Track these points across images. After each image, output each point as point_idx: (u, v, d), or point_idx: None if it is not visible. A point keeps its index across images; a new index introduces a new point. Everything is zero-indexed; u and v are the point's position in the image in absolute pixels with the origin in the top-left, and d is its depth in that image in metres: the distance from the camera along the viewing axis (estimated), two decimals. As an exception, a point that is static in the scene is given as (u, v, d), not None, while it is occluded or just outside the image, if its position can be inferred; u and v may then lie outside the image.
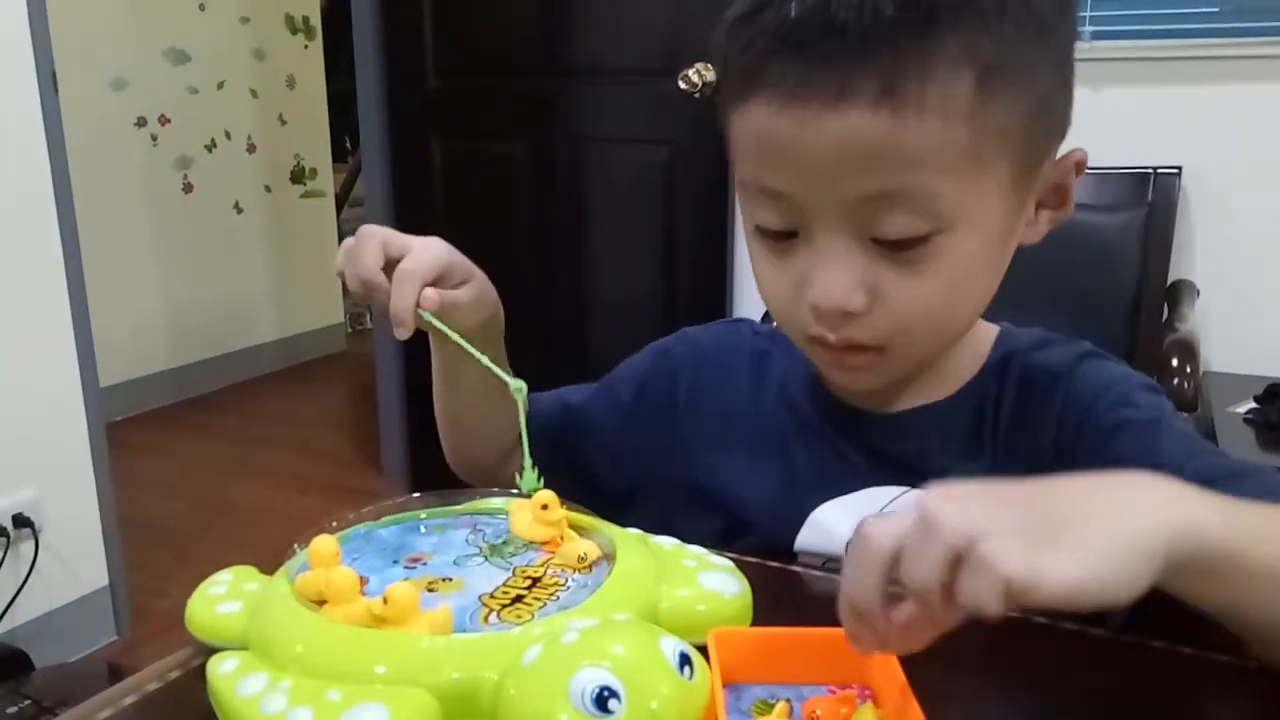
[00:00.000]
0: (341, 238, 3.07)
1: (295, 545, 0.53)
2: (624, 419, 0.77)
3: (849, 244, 0.57)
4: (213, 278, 3.61)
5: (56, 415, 1.98)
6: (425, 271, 0.63)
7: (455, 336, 0.63)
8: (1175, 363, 1.59)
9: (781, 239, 0.59)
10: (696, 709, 0.42)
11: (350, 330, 4.32)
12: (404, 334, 0.63)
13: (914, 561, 0.40)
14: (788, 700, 0.46)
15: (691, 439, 0.74)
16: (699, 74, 2.06)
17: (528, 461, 0.58)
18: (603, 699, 0.40)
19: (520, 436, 0.61)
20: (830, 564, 0.66)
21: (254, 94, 3.68)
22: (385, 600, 0.45)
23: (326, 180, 4.07)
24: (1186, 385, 1.57)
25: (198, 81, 3.46)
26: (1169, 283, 1.85)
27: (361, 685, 0.42)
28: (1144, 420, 0.61)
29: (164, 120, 3.37)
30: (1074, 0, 0.61)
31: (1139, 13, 1.94)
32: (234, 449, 3.16)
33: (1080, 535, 0.39)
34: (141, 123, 3.31)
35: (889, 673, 0.45)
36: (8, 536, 1.90)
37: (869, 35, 0.52)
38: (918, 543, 0.40)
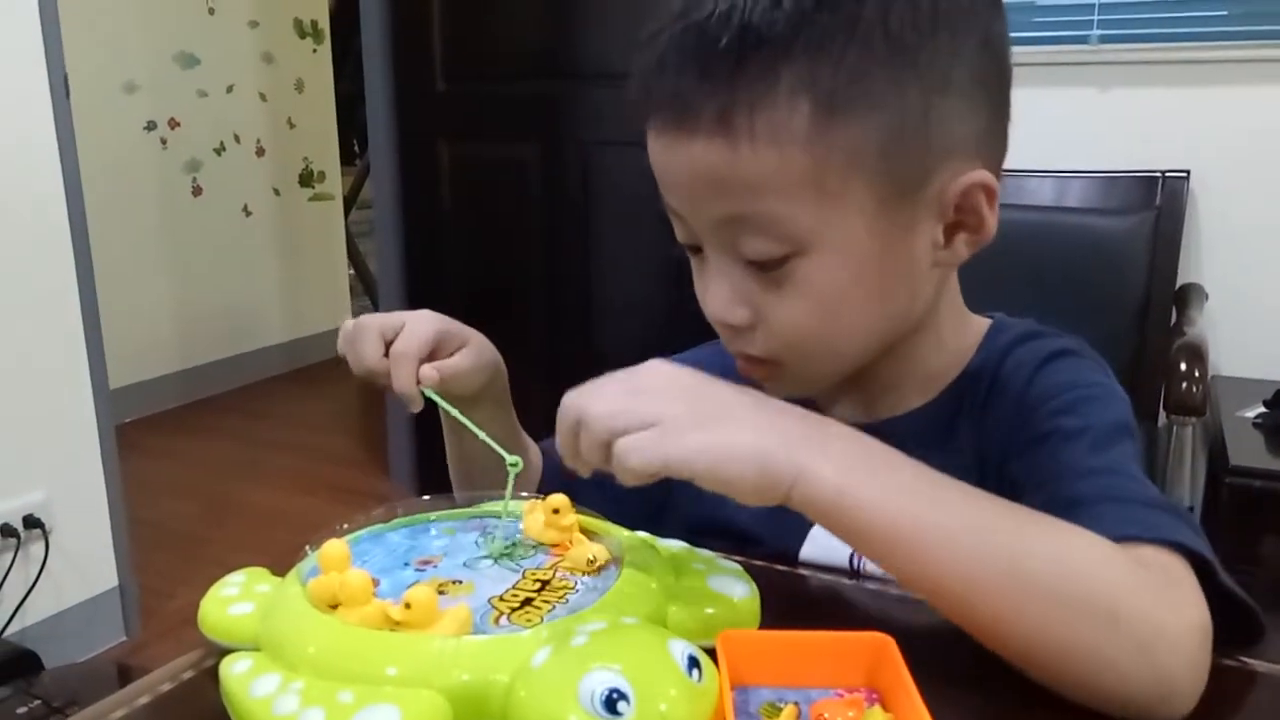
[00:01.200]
0: (350, 240, 3.07)
1: (307, 547, 0.53)
2: None
3: (727, 261, 0.60)
4: (221, 280, 3.62)
5: (67, 417, 1.99)
6: (418, 349, 0.65)
7: (454, 412, 0.65)
8: (1184, 367, 1.58)
9: (696, 254, 0.63)
10: (705, 711, 0.43)
11: (358, 333, 4.32)
12: (416, 409, 0.66)
13: (582, 452, 0.50)
14: (796, 703, 0.47)
15: None
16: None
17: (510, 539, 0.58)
18: (612, 701, 0.41)
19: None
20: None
21: (263, 97, 3.70)
22: (408, 605, 0.46)
23: (335, 183, 4.09)
24: (1195, 389, 1.56)
25: (207, 85, 3.48)
26: (1177, 286, 1.84)
27: (373, 687, 0.43)
28: (1074, 428, 0.59)
29: (174, 124, 3.39)
30: (954, 19, 0.57)
31: (1147, 16, 1.94)
32: (242, 451, 3.17)
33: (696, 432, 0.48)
34: (151, 126, 3.33)
35: (897, 675, 0.45)
36: (18, 537, 1.91)
37: (707, 69, 0.54)
38: (584, 435, 0.49)
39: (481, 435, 0.63)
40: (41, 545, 1.95)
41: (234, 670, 0.46)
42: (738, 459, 0.48)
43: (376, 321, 0.66)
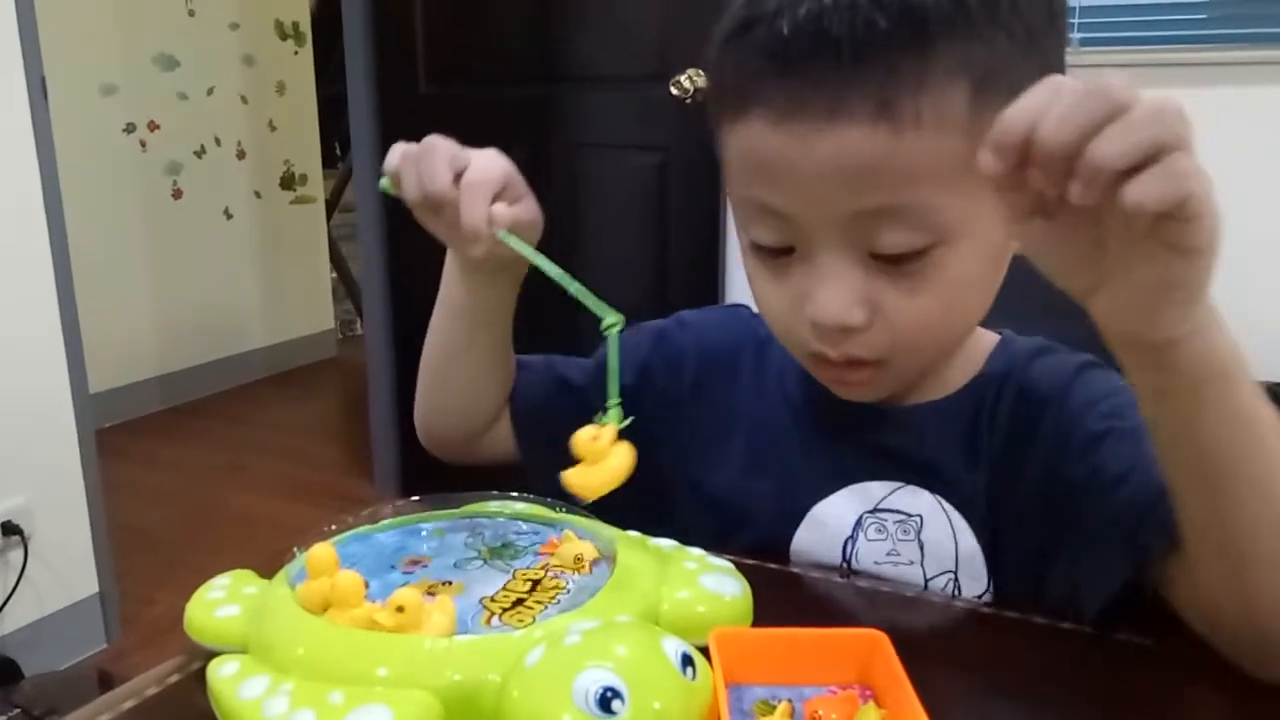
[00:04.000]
0: (332, 244, 3.05)
1: (295, 549, 0.53)
2: (626, 404, 0.74)
3: (847, 260, 0.56)
4: (202, 284, 3.59)
5: (46, 422, 1.97)
6: (494, 182, 0.60)
7: (531, 253, 0.59)
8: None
9: (779, 255, 0.59)
10: (699, 709, 0.42)
11: (341, 336, 4.30)
12: (479, 249, 0.61)
13: (1114, 133, 0.39)
14: (789, 701, 0.47)
15: (693, 432, 0.73)
16: (690, 80, 2.07)
17: (614, 401, 0.53)
18: (606, 700, 0.40)
19: (506, 407, 0.67)
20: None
21: (244, 100, 3.67)
22: (400, 608, 0.45)
23: (317, 186, 4.06)
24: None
25: (187, 87, 3.45)
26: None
27: (364, 687, 0.42)
28: (1129, 428, 0.60)
29: (153, 126, 3.36)
30: (1064, 8, 0.60)
31: (1126, 19, 1.95)
32: (224, 456, 3.14)
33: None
34: (131, 129, 3.30)
35: (891, 673, 0.45)
36: (-4, 544, 1.89)
37: (862, 51, 0.52)
38: (1119, 129, 0.39)
39: (574, 287, 0.56)
40: (20, 552, 1.93)
41: (222, 673, 0.46)
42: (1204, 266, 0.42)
43: (447, 144, 0.60)
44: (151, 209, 3.39)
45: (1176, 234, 0.41)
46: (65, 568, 2.02)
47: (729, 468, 0.71)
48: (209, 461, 3.10)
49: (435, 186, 0.59)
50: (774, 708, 0.46)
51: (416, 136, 2.30)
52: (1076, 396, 0.63)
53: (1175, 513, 0.50)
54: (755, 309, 0.72)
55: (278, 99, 3.81)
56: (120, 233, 3.30)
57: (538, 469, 0.73)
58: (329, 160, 4.25)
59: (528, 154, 2.70)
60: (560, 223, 2.59)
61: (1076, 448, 0.61)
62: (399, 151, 0.61)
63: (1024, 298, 0.72)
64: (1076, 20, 1.97)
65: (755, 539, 0.67)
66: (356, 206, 2.74)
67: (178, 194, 3.47)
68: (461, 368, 0.74)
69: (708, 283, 2.19)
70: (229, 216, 3.67)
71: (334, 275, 4.24)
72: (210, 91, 3.54)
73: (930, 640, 0.56)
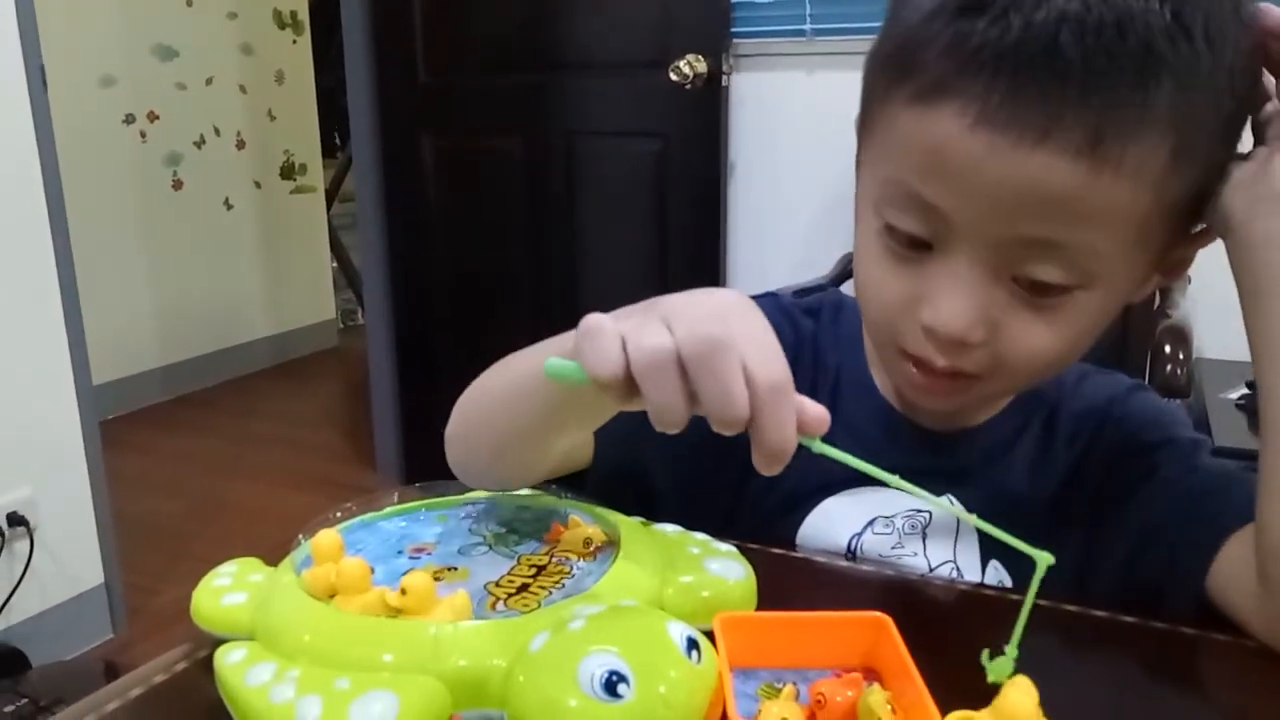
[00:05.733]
0: (332, 233, 3.04)
1: (300, 536, 0.53)
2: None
3: (988, 276, 0.54)
4: (203, 275, 3.60)
5: (50, 413, 1.97)
6: (789, 376, 0.43)
7: (880, 473, 0.45)
8: (1168, 349, 1.60)
9: (912, 247, 0.56)
10: (705, 692, 0.43)
11: (342, 326, 4.31)
12: (777, 470, 0.43)
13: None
14: (794, 684, 0.47)
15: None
16: (690, 65, 2.06)
17: (1014, 648, 0.43)
18: (612, 684, 0.40)
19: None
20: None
21: (243, 90, 3.67)
22: (403, 591, 0.45)
23: (316, 176, 4.06)
24: (1179, 372, 1.57)
25: (186, 78, 3.45)
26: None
27: (370, 674, 0.43)
28: (1186, 440, 0.64)
29: (153, 117, 3.35)
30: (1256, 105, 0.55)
31: (860, 9, 1.99)
32: (227, 446, 3.15)
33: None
34: (130, 119, 3.29)
35: (895, 655, 0.46)
36: (2, 535, 1.89)
37: (1092, 79, 0.48)
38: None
39: (973, 520, 0.46)
40: (26, 543, 1.93)
41: (229, 660, 0.46)
42: None
43: (731, 350, 0.41)
44: (151, 200, 3.39)
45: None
46: (70, 559, 2.03)
47: (738, 456, 0.70)
48: (212, 452, 3.11)
49: (727, 404, 0.41)
50: (779, 691, 0.46)
51: (415, 125, 2.31)
52: (1133, 413, 0.66)
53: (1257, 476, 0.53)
54: (783, 296, 0.72)
55: (277, 88, 3.81)
56: (121, 224, 3.30)
57: (599, 481, 0.66)
58: (328, 150, 4.25)
59: (525, 141, 2.71)
60: (558, 211, 2.60)
61: (1136, 455, 0.63)
62: (611, 344, 0.42)
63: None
64: (809, 10, 2.03)
65: (761, 522, 0.66)
66: (356, 196, 2.73)
67: (178, 185, 3.47)
68: (542, 447, 0.60)
69: (707, 270, 2.19)
70: (229, 207, 3.67)
71: (334, 265, 4.24)
72: (209, 81, 3.53)
73: (934, 624, 0.56)
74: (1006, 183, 0.50)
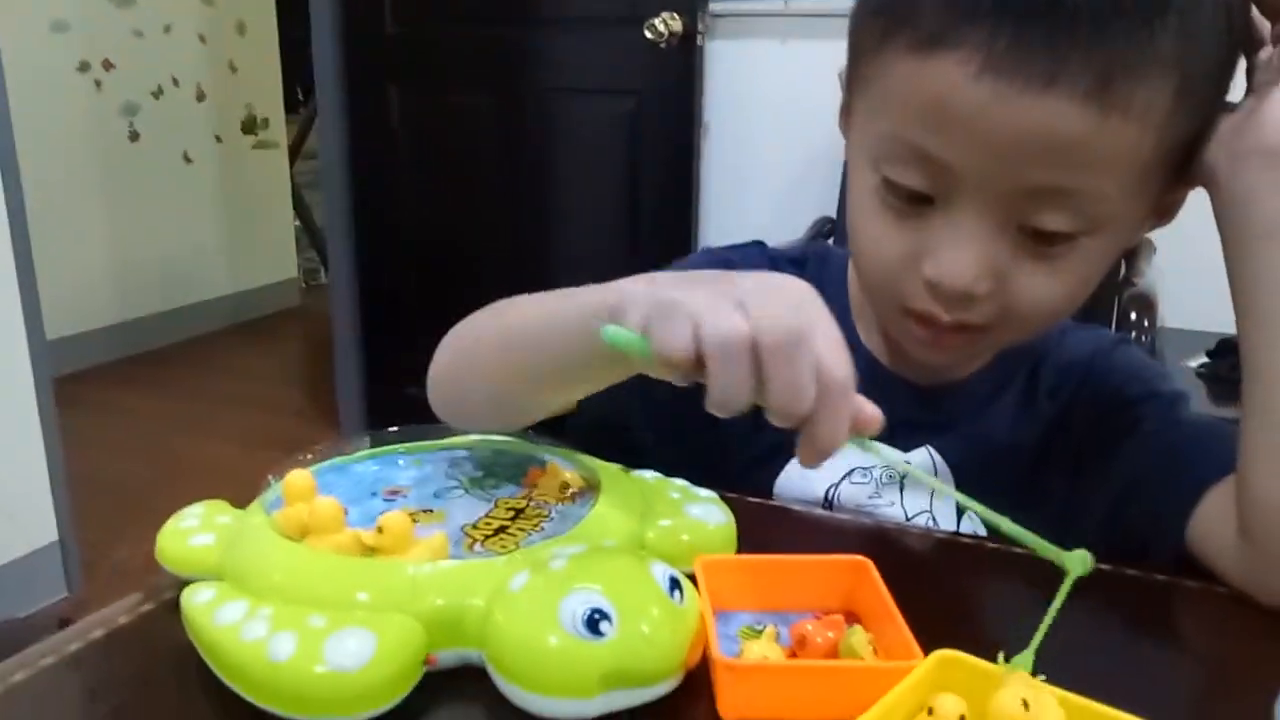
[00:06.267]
0: (295, 190, 2.97)
1: (270, 476, 0.51)
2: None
3: (994, 227, 0.53)
4: (161, 230, 3.51)
5: (2, 369, 1.92)
6: (852, 375, 0.42)
7: (936, 484, 0.47)
8: (1134, 316, 1.61)
9: (913, 202, 0.54)
10: (687, 632, 0.42)
11: (304, 285, 4.24)
12: (819, 465, 0.43)
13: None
14: (775, 626, 0.46)
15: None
16: (665, 23, 2.03)
17: (1036, 645, 0.40)
18: (594, 621, 0.40)
19: None
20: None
21: (202, 39, 3.57)
22: (380, 529, 0.44)
23: (279, 131, 3.97)
24: (1144, 339, 1.59)
25: (143, 25, 3.34)
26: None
27: (345, 612, 0.41)
28: (1169, 393, 0.64)
29: (108, 65, 3.25)
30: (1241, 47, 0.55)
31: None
32: (186, 405, 3.10)
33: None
34: (85, 67, 3.19)
35: (877, 597, 0.45)
36: (-47, 491, 1.85)
37: (1099, 20, 0.48)
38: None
39: (1030, 539, 0.43)
40: (-22, 498, 1.89)
41: (197, 599, 0.44)
42: None
43: (808, 346, 0.41)
44: (107, 151, 3.30)
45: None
46: (24, 516, 1.99)
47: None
48: (169, 410, 3.05)
49: (795, 400, 0.41)
50: (759, 633, 0.46)
51: (383, 79, 2.26)
52: (1116, 367, 0.66)
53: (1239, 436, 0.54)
54: (773, 247, 0.71)
55: (238, 39, 3.71)
56: (75, 175, 3.21)
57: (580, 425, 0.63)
58: (291, 105, 4.15)
59: (495, 97, 2.66)
60: (531, 168, 2.56)
61: (1118, 408, 0.63)
62: (683, 328, 0.41)
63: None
64: None
65: (739, 473, 0.66)
66: (320, 153, 2.68)
67: (134, 136, 3.38)
68: (548, 393, 0.58)
69: (680, 228, 2.18)
70: (188, 161, 3.59)
71: (297, 224, 4.17)
72: (167, 29, 3.43)
73: (914, 570, 0.56)
74: (1013, 131, 0.49)
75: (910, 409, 0.65)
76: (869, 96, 0.56)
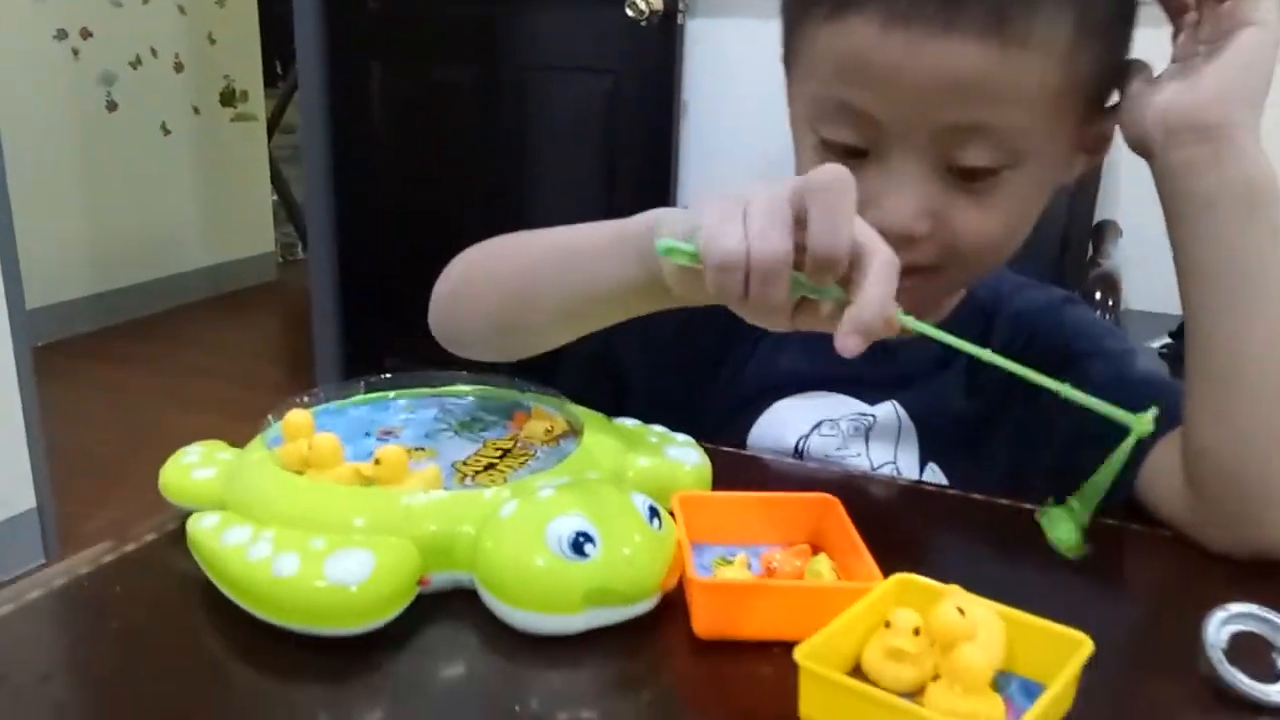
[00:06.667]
0: (273, 164, 2.96)
1: (269, 416, 0.54)
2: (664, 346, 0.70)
3: (923, 169, 0.57)
4: (138, 201, 3.49)
5: (-20, 336, 1.92)
6: (893, 253, 0.46)
7: (980, 352, 0.46)
8: (1098, 296, 1.66)
9: (848, 156, 0.58)
10: (665, 557, 0.45)
11: (282, 260, 4.23)
12: (863, 348, 0.44)
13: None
14: (746, 556, 0.50)
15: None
16: (646, 1, 2.05)
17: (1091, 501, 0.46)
18: (579, 544, 0.43)
19: None
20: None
21: (181, 10, 3.54)
22: (378, 461, 0.47)
23: (258, 104, 3.94)
24: (1108, 318, 1.64)
25: (121, -7, 3.32)
26: (1094, 222, 1.91)
27: (344, 535, 0.44)
28: (1115, 349, 0.67)
29: (85, 34, 3.22)
30: None
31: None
32: (163, 378, 3.09)
33: None
34: (62, 35, 3.16)
35: (842, 530, 0.49)
36: (-69, 456, 1.85)
37: None
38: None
39: (1094, 402, 0.44)
40: (-44, 464, 1.89)
41: (202, 525, 0.47)
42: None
43: (850, 198, 0.45)
44: (85, 121, 3.28)
45: (1249, 9, 0.51)
46: (3, 483, 1.99)
47: (694, 365, 0.72)
48: (146, 382, 3.05)
49: (842, 248, 0.44)
50: (731, 563, 0.49)
51: (364, 54, 2.26)
52: (1066, 322, 0.70)
53: (1186, 360, 0.56)
54: None
55: (217, 10, 3.68)
56: (52, 144, 3.18)
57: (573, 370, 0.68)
58: (269, 79, 4.13)
59: (477, 74, 2.66)
60: (509, 145, 2.57)
61: (1065, 362, 0.66)
62: (733, 233, 0.44)
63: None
64: None
65: (713, 424, 0.69)
66: (301, 127, 2.67)
67: (112, 106, 3.35)
68: (564, 324, 0.61)
69: (658, 205, 2.20)
70: (166, 132, 3.56)
71: (274, 198, 4.15)
72: None
73: (878, 511, 0.60)
74: (924, 75, 0.54)
75: (871, 363, 0.68)
76: (799, 66, 0.61)
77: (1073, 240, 1.79)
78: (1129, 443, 0.44)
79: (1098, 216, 1.91)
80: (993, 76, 0.54)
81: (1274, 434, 0.53)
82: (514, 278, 0.61)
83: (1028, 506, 0.59)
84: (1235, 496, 0.54)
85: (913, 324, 0.45)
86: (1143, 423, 0.43)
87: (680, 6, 2.07)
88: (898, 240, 0.56)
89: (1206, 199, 0.54)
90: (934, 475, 0.68)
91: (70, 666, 0.43)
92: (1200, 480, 0.55)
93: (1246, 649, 0.43)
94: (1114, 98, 0.60)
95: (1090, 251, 1.85)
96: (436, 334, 0.66)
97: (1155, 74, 0.57)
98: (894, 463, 0.68)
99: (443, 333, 0.66)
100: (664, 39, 2.09)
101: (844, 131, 0.58)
